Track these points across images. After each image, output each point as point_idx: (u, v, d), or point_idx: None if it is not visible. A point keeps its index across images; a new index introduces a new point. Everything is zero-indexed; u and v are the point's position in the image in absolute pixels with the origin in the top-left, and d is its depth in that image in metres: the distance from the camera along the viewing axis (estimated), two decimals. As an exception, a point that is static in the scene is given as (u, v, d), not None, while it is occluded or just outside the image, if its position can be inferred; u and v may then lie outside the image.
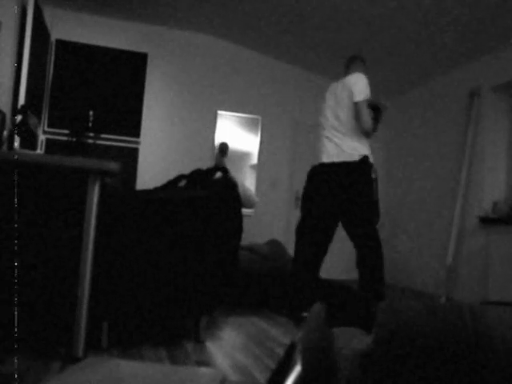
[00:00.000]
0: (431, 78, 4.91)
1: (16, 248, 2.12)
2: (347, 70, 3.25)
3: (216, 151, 5.01)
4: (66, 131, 3.82)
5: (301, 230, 3.10)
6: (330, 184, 2.98)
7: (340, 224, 3.08)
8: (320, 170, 3.06)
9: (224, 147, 4.94)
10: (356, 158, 2.95)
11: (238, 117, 5.20)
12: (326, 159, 3.03)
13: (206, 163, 4.80)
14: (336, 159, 2.98)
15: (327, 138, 3.07)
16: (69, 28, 4.65)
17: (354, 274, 5.21)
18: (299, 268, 3.06)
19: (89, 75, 4.64)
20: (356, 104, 2.94)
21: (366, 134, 2.99)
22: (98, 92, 4.65)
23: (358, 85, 2.97)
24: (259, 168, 5.25)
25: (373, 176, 2.99)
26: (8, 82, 3.31)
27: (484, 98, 4.19)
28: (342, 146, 2.98)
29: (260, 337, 2.49)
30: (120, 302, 2.10)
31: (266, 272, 3.46)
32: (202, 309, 2.26)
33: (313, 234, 3.05)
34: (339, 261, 5.13)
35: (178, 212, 2.19)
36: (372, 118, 2.99)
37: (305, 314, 3.17)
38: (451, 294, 4.20)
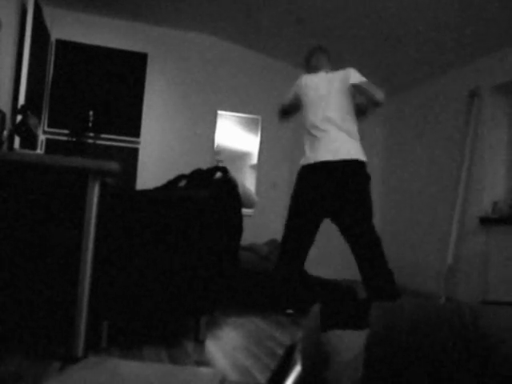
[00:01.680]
0: (431, 77, 4.91)
1: (16, 248, 2.12)
2: (314, 61, 3.28)
3: (216, 150, 5.02)
4: (66, 131, 3.81)
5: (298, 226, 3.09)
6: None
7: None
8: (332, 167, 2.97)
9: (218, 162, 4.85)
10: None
11: (237, 117, 5.20)
12: (330, 157, 2.93)
13: (206, 163, 4.80)
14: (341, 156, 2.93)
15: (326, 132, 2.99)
16: (69, 28, 4.65)
17: (342, 274, 5.21)
18: (289, 263, 3.06)
19: (89, 75, 4.64)
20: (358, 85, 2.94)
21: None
22: (98, 92, 4.65)
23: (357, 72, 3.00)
24: (259, 168, 5.25)
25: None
26: (8, 82, 3.31)
27: (484, 98, 4.19)
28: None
29: (260, 337, 2.49)
30: (120, 301, 2.10)
31: (266, 272, 3.46)
32: (202, 309, 2.26)
33: (310, 229, 3.07)
34: (335, 259, 5.13)
35: (178, 212, 2.19)
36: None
37: (289, 311, 3.17)
38: (451, 294, 4.20)
